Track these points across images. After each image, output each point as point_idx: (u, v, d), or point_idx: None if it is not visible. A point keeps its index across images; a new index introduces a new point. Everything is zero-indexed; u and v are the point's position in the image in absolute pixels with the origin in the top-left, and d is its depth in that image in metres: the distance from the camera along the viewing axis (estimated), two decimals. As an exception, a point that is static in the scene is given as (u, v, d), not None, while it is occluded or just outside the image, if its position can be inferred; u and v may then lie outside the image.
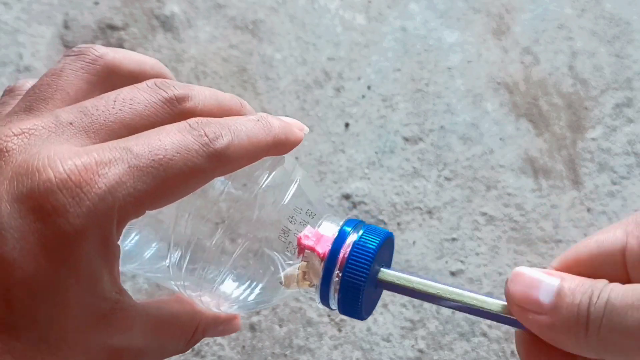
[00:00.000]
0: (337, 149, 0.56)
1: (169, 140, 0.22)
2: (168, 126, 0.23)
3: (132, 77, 0.27)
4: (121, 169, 0.21)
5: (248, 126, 0.25)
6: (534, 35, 0.64)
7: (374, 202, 0.53)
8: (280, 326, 0.49)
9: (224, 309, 0.28)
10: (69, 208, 0.20)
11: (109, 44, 0.61)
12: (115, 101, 0.24)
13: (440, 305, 0.26)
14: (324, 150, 0.56)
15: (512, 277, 0.24)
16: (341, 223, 0.27)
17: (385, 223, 0.52)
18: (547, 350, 0.24)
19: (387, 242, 0.27)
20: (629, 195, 0.55)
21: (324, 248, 0.26)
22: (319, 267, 0.26)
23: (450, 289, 0.26)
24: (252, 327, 0.49)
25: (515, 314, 0.24)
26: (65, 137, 0.22)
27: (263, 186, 0.27)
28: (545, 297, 0.23)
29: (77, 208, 0.20)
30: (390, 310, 0.48)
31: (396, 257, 0.50)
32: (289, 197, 0.27)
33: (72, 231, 0.20)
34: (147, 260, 0.28)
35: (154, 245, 0.28)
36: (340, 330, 0.48)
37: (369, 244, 0.26)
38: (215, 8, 0.64)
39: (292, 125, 0.28)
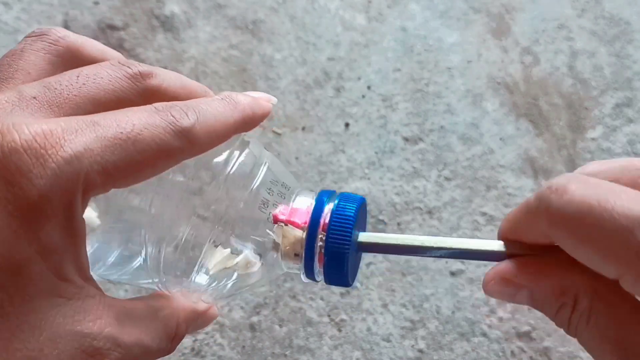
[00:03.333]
0: (337, 149, 0.56)
1: (137, 117, 0.22)
2: (134, 107, 0.23)
3: (96, 57, 0.27)
4: (88, 137, 0.21)
5: (213, 105, 0.25)
6: (534, 35, 0.64)
7: (374, 202, 0.53)
8: (280, 326, 0.49)
9: (205, 298, 0.28)
10: (33, 169, 0.20)
11: (109, 44, 0.61)
12: (78, 76, 0.23)
13: (425, 255, 0.27)
14: (324, 150, 0.56)
15: (486, 290, 0.26)
16: (315, 195, 0.28)
17: (385, 223, 0.52)
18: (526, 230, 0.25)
19: (362, 207, 0.28)
20: (629, 195, 0.55)
21: (302, 219, 0.27)
22: (299, 232, 0.27)
23: (431, 238, 0.27)
24: (252, 327, 0.49)
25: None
26: (29, 110, 0.22)
27: (233, 170, 0.27)
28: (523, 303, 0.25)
29: (40, 169, 0.20)
30: (390, 310, 0.48)
31: (396, 257, 0.50)
32: (260, 179, 0.27)
33: (35, 194, 0.20)
34: (112, 264, 0.27)
35: (115, 249, 0.27)
36: (340, 330, 0.48)
37: (347, 209, 0.27)
38: (215, 8, 0.64)
39: (259, 99, 0.27)
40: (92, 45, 0.27)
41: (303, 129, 0.57)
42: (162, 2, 0.64)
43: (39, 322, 0.20)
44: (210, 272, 0.27)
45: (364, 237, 0.27)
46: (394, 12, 0.64)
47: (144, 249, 0.26)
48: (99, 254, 0.27)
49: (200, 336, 0.49)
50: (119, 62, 0.25)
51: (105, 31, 0.62)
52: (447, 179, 0.55)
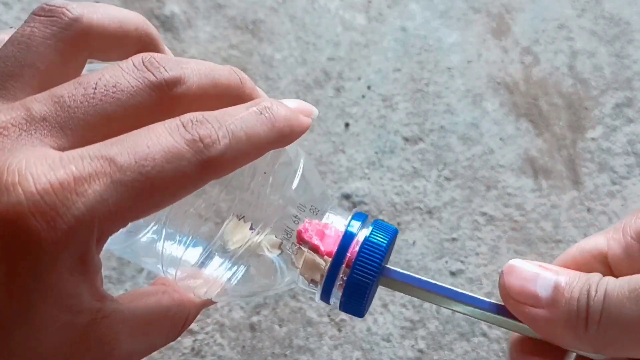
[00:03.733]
0: (337, 149, 0.56)
1: (159, 147, 0.20)
2: (157, 126, 0.21)
3: (113, 41, 0.24)
4: (103, 185, 0.19)
5: (249, 123, 0.22)
6: (534, 35, 0.64)
7: (374, 202, 0.53)
8: (280, 326, 0.49)
9: (213, 295, 0.27)
10: (42, 234, 0.18)
11: (109, 44, 0.61)
12: (95, 89, 0.21)
13: (440, 305, 0.26)
14: (324, 150, 0.56)
15: (507, 269, 0.24)
16: (349, 217, 0.26)
17: (385, 223, 0.52)
18: (539, 351, 0.24)
19: (393, 240, 0.27)
20: (629, 195, 0.55)
21: (327, 246, 0.25)
22: (321, 263, 0.26)
23: (462, 294, 0.26)
24: (252, 327, 0.49)
25: (511, 307, 0.24)
26: (38, 135, 0.20)
27: (274, 170, 0.26)
28: (542, 290, 0.22)
29: (51, 233, 0.18)
30: (390, 310, 0.48)
31: (396, 257, 0.50)
32: (293, 186, 0.26)
33: (45, 257, 0.19)
34: (142, 244, 0.26)
35: (150, 229, 0.26)
36: (340, 330, 0.48)
37: (380, 241, 0.25)
38: (215, 8, 0.64)
39: (299, 111, 0.25)
40: (110, 21, 0.24)
41: (303, 129, 0.57)
42: (162, 2, 0.64)
43: (58, 357, 0.20)
44: (230, 247, 0.26)
45: (389, 272, 0.26)
46: (394, 12, 0.64)
47: (161, 218, 0.25)
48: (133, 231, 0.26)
49: (200, 336, 0.49)
50: (143, 64, 0.22)
51: (105, 31, 0.62)
52: (447, 179, 0.55)
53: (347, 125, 0.58)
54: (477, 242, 0.52)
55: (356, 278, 0.25)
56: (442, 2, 0.65)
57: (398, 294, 0.49)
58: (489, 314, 0.25)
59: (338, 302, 0.27)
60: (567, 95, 0.61)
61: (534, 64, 0.62)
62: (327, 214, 0.27)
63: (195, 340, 0.48)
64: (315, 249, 0.26)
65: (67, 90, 0.21)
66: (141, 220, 0.23)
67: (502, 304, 0.25)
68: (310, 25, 0.63)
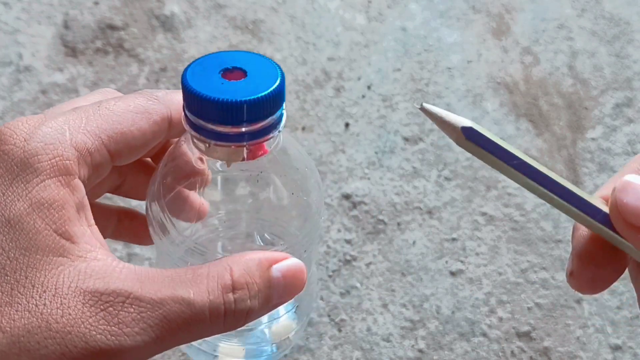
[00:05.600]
0: (337, 149, 0.56)
1: (119, 95, 0.26)
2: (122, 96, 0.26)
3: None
4: (69, 114, 0.23)
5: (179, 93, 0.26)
6: (534, 35, 0.64)
7: (374, 202, 0.53)
8: (280, 326, 0.49)
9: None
10: (18, 136, 0.21)
11: (109, 44, 0.61)
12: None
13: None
14: (324, 150, 0.56)
15: (621, 186, 0.21)
16: None
17: (385, 223, 0.52)
18: (610, 261, 0.22)
19: (226, 54, 0.24)
20: (629, 195, 0.55)
21: None
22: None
23: None
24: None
25: (622, 229, 0.21)
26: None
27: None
28: None
29: (25, 135, 0.21)
30: (390, 310, 0.48)
31: (396, 257, 0.50)
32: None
33: (20, 153, 0.21)
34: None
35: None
36: (340, 330, 0.48)
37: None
38: (215, 8, 0.64)
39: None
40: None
41: (303, 129, 0.57)
42: (162, 2, 0.64)
43: (40, 278, 0.20)
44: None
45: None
46: (394, 12, 0.64)
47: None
48: None
49: (200, 336, 0.49)
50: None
51: (105, 31, 0.62)
52: (447, 179, 0.55)
53: (347, 125, 0.58)
54: (477, 242, 0.52)
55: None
56: (442, 2, 0.65)
57: (398, 294, 0.49)
58: (590, 219, 0.22)
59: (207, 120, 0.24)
60: (567, 95, 0.61)
61: (534, 64, 0.62)
62: None
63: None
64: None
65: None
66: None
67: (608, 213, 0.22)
68: (310, 25, 0.63)
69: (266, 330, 0.27)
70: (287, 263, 0.22)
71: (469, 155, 0.57)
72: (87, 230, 0.22)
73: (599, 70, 0.62)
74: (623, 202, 0.20)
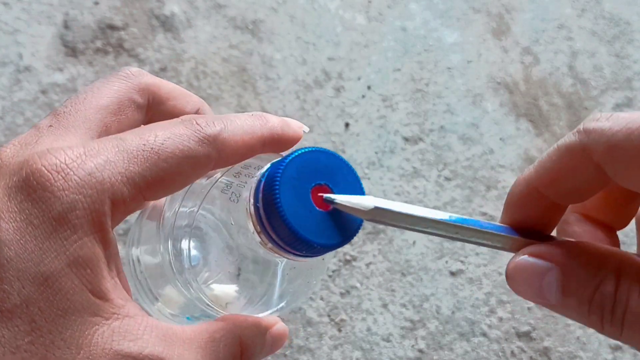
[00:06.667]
0: (337, 149, 0.56)
1: (160, 128, 0.22)
2: (160, 122, 0.23)
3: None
4: (111, 152, 0.21)
5: (242, 118, 0.25)
6: (534, 35, 0.64)
7: (374, 202, 0.53)
8: (280, 326, 0.49)
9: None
10: (55, 183, 0.20)
11: (109, 44, 0.61)
12: (79, 94, 0.24)
13: (416, 230, 0.24)
14: (324, 150, 0.56)
15: (511, 274, 0.23)
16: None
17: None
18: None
19: (317, 156, 0.24)
20: (629, 195, 0.55)
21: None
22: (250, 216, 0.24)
23: (424, 210, 0.23)
24: (252, 327, 0.49)
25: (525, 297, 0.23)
26: (51, 137, 0.23)
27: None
28: (551, 296, 0.22)
29: (62, 182, 0.20)
30: (390, 310, 0.48)
31: (396, 257, 0.50)
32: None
33: (59, 206, 0.20)
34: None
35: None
36: (340, 330, 0.48)
37: (288, 156, 0.24)
38: (215, 8, 0.64)
39: (290, 123, 0.27)
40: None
41: (303, 129, 0.57)
42: (162, 2, 0.64)
43: (75, 339, 0.20)
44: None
45: (331, 196, 0.24)
46: (394, 12, 0.64)
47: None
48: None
49: (200, 336, 0.49)
50: (112, 73, 0.26)
51: (105, 31, 0.62)
52: (447, 179, 0.55)
53: (347, 125, 0.58)
54: (477, 242, 0.52)
55: (265, 205, 0.23)
56: (442, 2, 0.65)
57: (398, 294, 0.49)
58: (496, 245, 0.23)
59: (296, 249, 0.24)
60: (567, 95, 0.61)
61: (534, 64, 0.62)
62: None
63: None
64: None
65: (63, 103, 0.24)
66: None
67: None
68: (310, 25, 0.63)
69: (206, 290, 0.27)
70: (277, 327, 0.27)
71: (469, 155, 0.57)
72: (117, 283, 0.22)
73: (599, 70, 0.62)
74: (517, 291, 0.23)
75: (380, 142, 0.57)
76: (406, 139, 0.57)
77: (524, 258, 0.22)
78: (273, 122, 0.26)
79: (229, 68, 0.60)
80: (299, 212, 0.23)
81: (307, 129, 0.28)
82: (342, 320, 0.48)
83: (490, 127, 0.58)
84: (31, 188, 0.20)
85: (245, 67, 0.60)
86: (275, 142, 0.26)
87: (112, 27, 0.62)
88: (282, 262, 0.27)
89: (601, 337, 0.47)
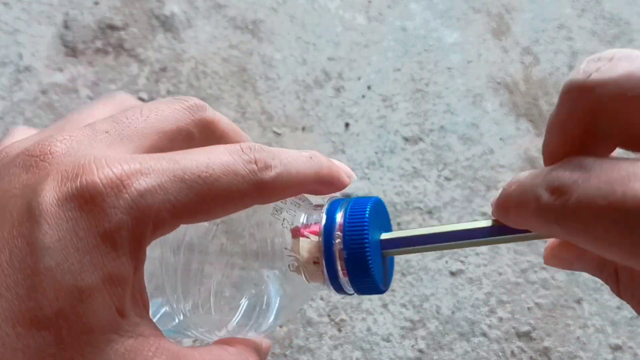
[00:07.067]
0: (337, 149, 0.56)
1: (218, 160, 0.22)
2: (218, 146, 0.23)
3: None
4: (165, 176, 0.21)
5: (299, 162, 0.24)
6: (534, 35, 0.64)
7: (374, 202, 0.53)
8: (280, 326, 0.49)
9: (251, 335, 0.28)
10: (107, 198, 0.20)
11: (109, 44, 0.61)
12: (142, 110, 0.24)
13: (454, 247, 0.26)
14: (324, 150, 0.56)
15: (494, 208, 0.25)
16: (326, 206, 0.27)
17: (385, 223, 0.52)
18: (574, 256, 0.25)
19: (378, 206, 0.27)
20: (629, 195, 0.55)
21: (318, 227, 0.26)
22: (317, 241, 0.26)
23: (455, 226, 0.25)
24: (252, 327, 0.49)
25: (505, 219, 0.25)
26: (104, 143, 0.23)
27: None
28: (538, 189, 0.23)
29: (115, 200, 0.20)
30: (390, 310, 0.48)
31: (396, 257, 0.51)
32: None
33: (107, 223, 0.20)
34: (158, 322, 0.27)
35: (162, 308, 0.27)
36: (340, 330, 0.48)
37: (361, 207, 0.26)
38: (215, 8, 0.64)
39: (341, 170, 0.27)
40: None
41: (303, 129, 0.57)
42: (162, 2, 0.64)
43: (92, 355, 0.20)
44: (274, 298, 0.27)
45: (386, 235, 0.26)
46: (394, 12, 0.64)
47: (176, 304, 0.26)
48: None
49: (200, 336, 0.49)
50: (174, 98, 0.25)
51: (105, 31, 0.62)
52: (447, 179, 0.55)
53: (347, 125, 0.58)
54: (477, 242, 0.52)
55: (351, 243, 0.25)
56: (442, 2, 0.65)
57: (398, 294, 0.49)
58: (492, 238, 0.25)
59: (353, 289, 0.26)
60: (567, 95, 0.61)
61: (534, 64, 0.62)
62: (305, 214, 0.27)
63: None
64: (306, 232, 0.26)
65: (120, 113, 0.24)
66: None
67: (496, 222, 0.25)
68: (310, 25, 0.63)
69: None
70: (266, 346, 0.28)
71: (469, 155, 0.57)
72: (138, 300, 0.22)
73: (599, 70, 0.62)
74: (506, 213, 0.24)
75: (380, 142, 0.57)
76: (406, 139, 0.57)
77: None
78: (323, 172, 0.26)
79: (229, 68, 0.60)
80: (375, 263, 0.25)
81: (355, 178, 0.29)
82: (342, 320, 0.48)
83: (490, 127, 0.58)
84: (83, 199, 0.20)
85: (245, 67, 0.60)
86: (321, 189, 0.26)
87: (112, 27, 0.62)
88: (276, 284, 0.27)
89: (601, 337, 0.47)
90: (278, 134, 0.57)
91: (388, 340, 0.47)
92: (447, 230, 0.25)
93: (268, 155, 0.23)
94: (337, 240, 0.25)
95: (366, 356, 0.47)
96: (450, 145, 0.57)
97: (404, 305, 0.48)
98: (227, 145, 0.23)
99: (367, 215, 0.25)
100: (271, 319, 0.28)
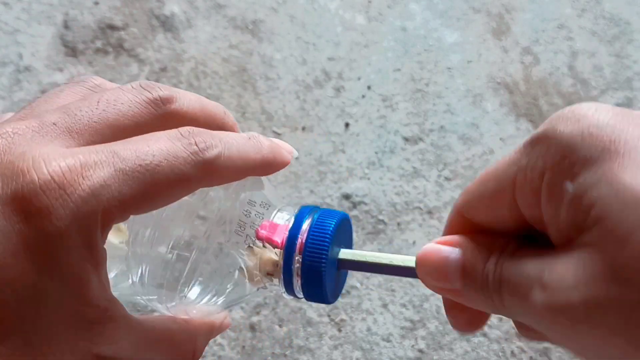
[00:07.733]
0: (337, 149, 0.56)
1: (157, 147, 0.22)
2: (157, 133, 0.23)
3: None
4: (106, 172, 0.21)
5: (239, 141, 0.25)
6: (534, 35, 0.64)
7: (374, 202, 0.53)
8: (280, 326, 0.49)
9: (196, 312, 0.29)
10: (52, 210, 0.20)
11: (109, 44, 0.61)
12: (99, 102, 0.23)
13: (401, 275, 0.27)
14: (324, 150, 0.56)
15: (420, 259, 0.26)
16: (296, 211, 0.28)
17: (385, 223, 0.52)
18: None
19: (343, 223, 0.28)
20: (629, 195, 0.55)
21: (281, 237, 0.27)
22: (278, 257, 0.27)
23: (397, 256, 0.27)
24: (252, 327, 0.49)
25: (433, 290, 0.26)
26: (49, 137, 0.22)
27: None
28: (455, 280, 0.24)
29: (60, 210, 0.20)
30: (390, 310, 0.48)
31: (396, 257, 0.51)
32: (242, 193, 0.27)
33: (55, 232, 0.20)
34: (112, 280, 0.28)
35: (115, 267, 0.28)
36: (340, 330, 0.48)
37: (326, 225, 0.26)
38: (215, 8, 0.64)
39: (282, 147, 0.27)
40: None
41: (303, 129, 0.57)
42: (162, 2, 0.64)
43: (60, 345, 0.21)
44: (228, 285, 0.28)
45: (344, 254, 0.27)
46: (394, 12, 0.64)
47: (131, 269, 0.27)
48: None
49: (200, 336, 0.49)
50: (140, 86, 0.24)
51: (105, 31, 0.62)
52: (447, 179, 0.55)
53: (347, 125, 0.58)
54: (477, 242, 0.52)
55: (308, 262, 0.26)
56: (442, 2, 0.65)
57: (398, 294, 0.49)
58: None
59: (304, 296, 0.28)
60: (567, 95, 0.61)
61: (534, 64, 0.62)
62: (277, 212, 0.28)
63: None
64: (268, 241, 0.27)
65: (74, 104, 0.23)
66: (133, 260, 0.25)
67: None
68: (310, 25, 0.63)
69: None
70: (225, 323, 0.30)
71: (469, 155, 0.57)
72: (105, 287, 0.23)
73: (599, 70, 0.62)
74: (424, 277, 0.25)
75: (380, 142, 0.57)
76: (406, 139, 0.57)
77: (431, 244, 0.25)
78: (266, 149, 0.26)
79: (229, 68, 0.60)
80: (329, 277, 0.27)
81: (296, 154, 0.29)
82: (342, 320, 0.48)
83: (490, 127, 0.58)
84: (29, 212, 0.20)
85: (245, 67, 0.60)
86: (264, 168, 0.27)
87: (112, 27, 0.62)
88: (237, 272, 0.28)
89: (601, 337, 0.48)
90: (278, 134, 0.57)
91: (388, 340, 0.47)
92: (392, 264, 0.27)
93: (207, 136, 0.23)
94: (297, 261, 0.26)
95: (366, 356, 0.47)
96: (450, 145, 0.57)
97: (404, 305, 0.48)
98: (167, 131, 0.23)
99: (328, 238, 0.26)
100: (221, 301, 0.28)
